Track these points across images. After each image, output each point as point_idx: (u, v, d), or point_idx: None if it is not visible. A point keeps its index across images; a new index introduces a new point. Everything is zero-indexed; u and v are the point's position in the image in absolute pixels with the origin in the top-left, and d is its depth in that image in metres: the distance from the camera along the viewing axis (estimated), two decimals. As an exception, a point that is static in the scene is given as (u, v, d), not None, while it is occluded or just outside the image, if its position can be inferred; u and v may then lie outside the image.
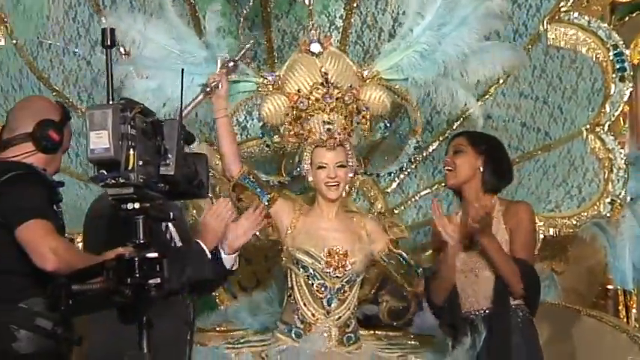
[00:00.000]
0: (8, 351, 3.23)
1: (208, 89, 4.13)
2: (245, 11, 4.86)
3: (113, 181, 2.53)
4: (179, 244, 3.71)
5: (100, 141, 2.50)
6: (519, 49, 4.80)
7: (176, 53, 4.38)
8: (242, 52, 4.27)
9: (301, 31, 4.95)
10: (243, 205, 4.27)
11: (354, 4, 5.03)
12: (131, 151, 2.52)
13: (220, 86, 4.15)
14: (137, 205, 2.59)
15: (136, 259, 2.62)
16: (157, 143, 2.62)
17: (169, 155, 2.63)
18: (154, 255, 2.65)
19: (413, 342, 4.62)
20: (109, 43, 2.59)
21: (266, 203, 4.28)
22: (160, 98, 4.31)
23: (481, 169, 4.16)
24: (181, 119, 2.71)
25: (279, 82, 4.41)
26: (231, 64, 4.20)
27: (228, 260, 3.92)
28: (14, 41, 5.02)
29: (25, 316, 3.26)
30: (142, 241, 2.62)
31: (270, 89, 4.41)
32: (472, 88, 4.54)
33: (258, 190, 4.29)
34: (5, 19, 5.00)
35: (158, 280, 2.64)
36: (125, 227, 2.68)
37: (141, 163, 2.55)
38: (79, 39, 5.08)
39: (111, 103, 2.56)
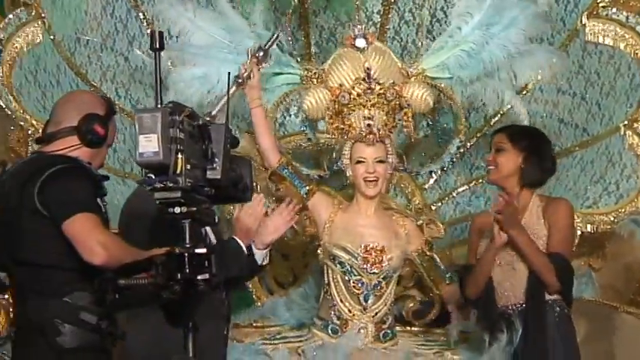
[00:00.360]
0: (53, 345, 3.21)
1: (240, 80, 4.10)
2: (294, 2, 4.85)
3: (161, 185, 2.53)
4: (214, 242, 3.71)
5: (149, 144, 2.50)
6: (561, 53, 4.75)
7: (225, 43, 4.37)
8: (271, 41, 4.20)
9: (339, 27, 4.96)
10: (281, 194, 4.28)
11: (392, 0, 5.02)
12: (179, 155, 2.52)
13: (252, 76, 4.13)
14: (184, 209, 2.59)
15: (186, 254, 2.62)
16: (204, 147, 2.62)
17: (216, 159, 2.63)
18: (203, 251, 2.66)
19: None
20: (157, 46, 2.59)
21: (304, 195, 4.29)
22: (205, 86, 4.33)
23: (522, 166, 4.14)
24: (228, 122, 2.71)
25: (323, 76, 4.39)
26: (261, 53, 4.15)
27: (260, 255, 3.83)
28: (52, 37, 5.03)
29: (70, 310, 3.24)
30: (188, 245, 2.62)
31: (314, 82, 4.40)
32: (514, 87, 4.52)
33: (297, 181, 4.29)
34: (43, 15, 5.01)
35: (207, 276, 2.65)
36: (170, 230, 2.69)
37: (188, 167, 2.55)
38: (116, 34, 5.09)
39: (159, 106, 2.55)
